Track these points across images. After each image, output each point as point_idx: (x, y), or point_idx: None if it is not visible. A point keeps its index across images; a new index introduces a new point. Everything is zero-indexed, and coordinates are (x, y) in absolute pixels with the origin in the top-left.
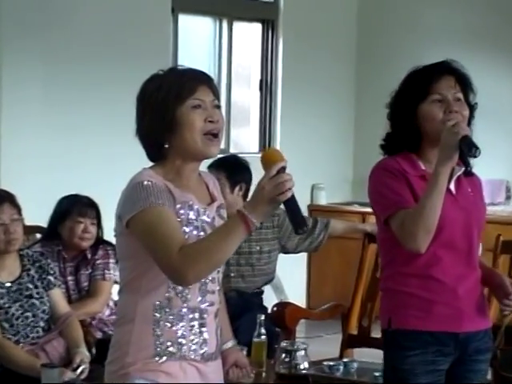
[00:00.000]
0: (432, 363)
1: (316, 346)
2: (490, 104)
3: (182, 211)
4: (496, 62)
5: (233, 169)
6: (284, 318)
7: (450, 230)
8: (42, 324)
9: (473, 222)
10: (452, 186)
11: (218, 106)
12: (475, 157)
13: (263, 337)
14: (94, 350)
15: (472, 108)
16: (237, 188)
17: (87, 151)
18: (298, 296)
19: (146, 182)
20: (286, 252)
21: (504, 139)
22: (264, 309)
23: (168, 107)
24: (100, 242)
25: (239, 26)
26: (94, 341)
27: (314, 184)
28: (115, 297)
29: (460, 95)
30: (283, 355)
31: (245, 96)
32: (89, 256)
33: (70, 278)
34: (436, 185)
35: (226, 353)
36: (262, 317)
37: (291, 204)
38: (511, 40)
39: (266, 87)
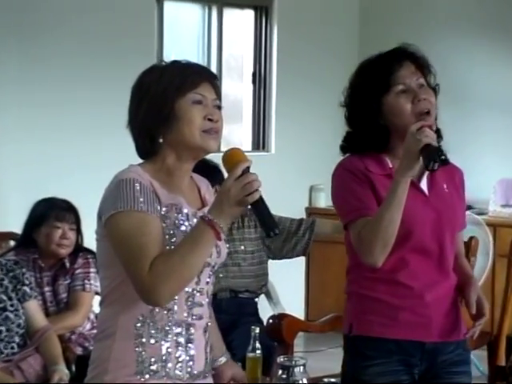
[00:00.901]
0: (394, 373)
1: (316, 362)
2: (503, 99)
3: (168, 214)
4: (509, 51)
5: (203, 172)
6: (281, 330)
7: (420, 233)
8: (16, 339)
9: (445, 224)
10: (424, 185)
11: (219, 107)
12: (432, 170)
13: (258, 352)
14: (73, 368)
15: (434, 90)
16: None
17: (65, 153)
18: (295, 307)
19: (131, 180)
20: (274, 256)
21: None
22: (259, 320)
23: (167, 99)
24: (80, 249)
25: (230, 13)
26: (73, 357)
27: (313, 185)
28: (96, 309)
29: (422, 80)
30: (280, 371)
31: (237, 90)
32: (67, 265)
33: (47, 288)
34: (395, 196)
35: (221, 368)
36: (257, 330)
37: (260, 206)
38: None
39: (260, 80)
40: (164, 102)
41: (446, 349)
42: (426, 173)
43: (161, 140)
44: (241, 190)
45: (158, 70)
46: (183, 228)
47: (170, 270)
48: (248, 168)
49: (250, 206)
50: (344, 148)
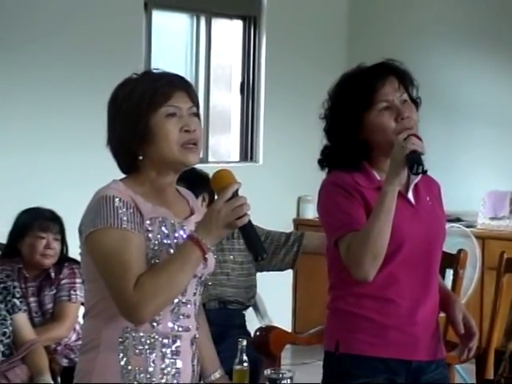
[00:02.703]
0: None
1: (303, 374)
2: (492, 111)
3: (151, 228)
4: (498, 64)
5: (192, 180)
6: (268, 343)
7: (410, 247)
8: (1, 348)
9: (434, 237)
10: (411, 196)
11: (196, 114)
12: (417, 174)
13: (245, 364)
14: (59, 379)
15: (416, 104)
16: (199, 199)
17: (49, 162)
18: (283, 319)
19: (112, 197)
20: (262, 269)
21: (508, 147)
22: (246, 332)
23: (140, 115)
24: (65, 259)
25: (218, 23)
26: (59, 369)
27: (301, 196)
28: (82, 320)
29: (405, 96)
30: None
31: (225, 100)
32: (53, 275)
33: (32, 299)
34: (383, 206)
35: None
36: (244, 342)
37: (248, 229)
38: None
39: (248, 90)
40: (138, 119)
41: (429, 368)
42: (412, 185)
43: (141, 157)
44: (231, 212)
45: (130, 84)
46: (167, 241)
47: (158, 288)
48: (237, 190)
49: (238, 230)
50: (321, 162)
